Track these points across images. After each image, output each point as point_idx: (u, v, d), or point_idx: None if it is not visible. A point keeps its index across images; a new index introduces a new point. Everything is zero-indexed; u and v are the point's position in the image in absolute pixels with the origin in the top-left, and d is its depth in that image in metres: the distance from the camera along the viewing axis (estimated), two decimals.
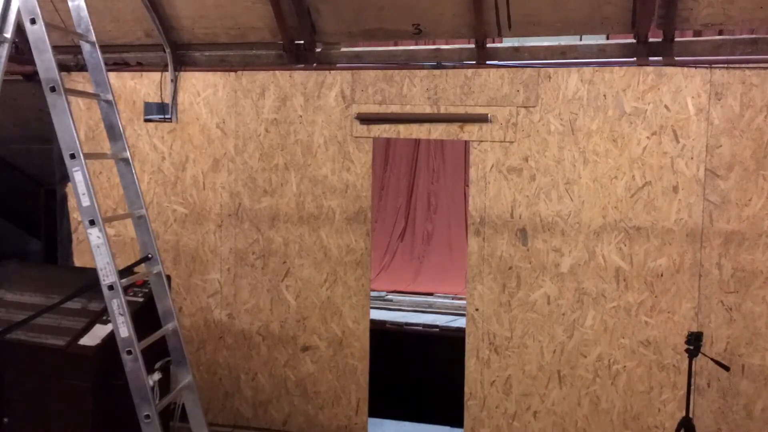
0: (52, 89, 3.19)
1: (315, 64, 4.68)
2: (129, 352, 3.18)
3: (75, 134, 3.14)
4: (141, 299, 3.91)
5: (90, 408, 3.57)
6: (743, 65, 3.99)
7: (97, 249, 3.14)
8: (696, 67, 4.05)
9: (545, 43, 4.38)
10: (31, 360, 3.68)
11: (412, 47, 4.74)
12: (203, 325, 4.95)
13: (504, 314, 4.42)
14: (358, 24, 4.50)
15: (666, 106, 4.10)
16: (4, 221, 7.04)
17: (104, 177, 5.07)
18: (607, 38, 4.77)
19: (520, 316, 4.39)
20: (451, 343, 5.41)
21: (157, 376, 3.92)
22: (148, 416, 3.49)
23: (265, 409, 4.89)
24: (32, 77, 5.20)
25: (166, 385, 4.07)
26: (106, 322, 3.75)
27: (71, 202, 5.15)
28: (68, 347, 3.63)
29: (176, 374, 3.96)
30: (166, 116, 4.90)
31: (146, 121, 4.96)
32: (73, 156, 3.15)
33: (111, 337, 3.66)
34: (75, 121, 5.19)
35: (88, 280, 4.29)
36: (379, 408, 4.99)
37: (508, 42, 4.64)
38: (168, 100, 4.88)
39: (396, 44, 5.37)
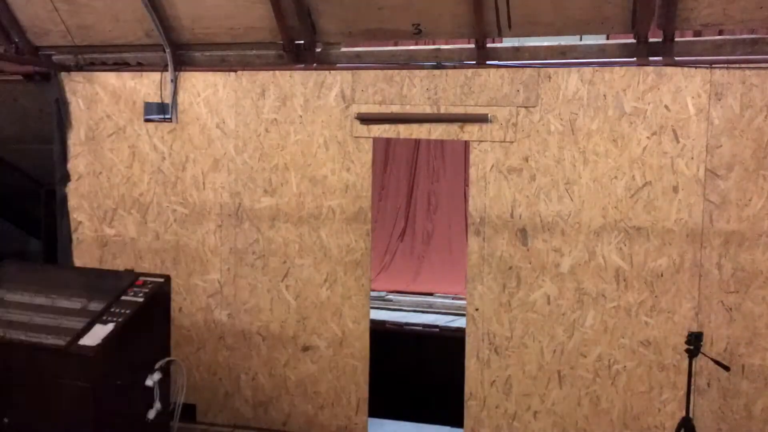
0: None
1: (315, 64, 4.68)
2: None
3: None
4: (141, 299, 3.91)
5: (90, 407, 3.58)
6: (743, 65, 3.99)
7: None
8: (696, 67, 4.05)
9: (545, 43, 4.38)
10: (32, 360, 3.68)
11: (412, 47, 4.74)
12: (203, 325, 4.95)
13: (504, 314, 4.42)
14: (358, 24, 4.50)
15: (666, 106, 4.10)
16: (4, 221, 7.04)
17: (104, 177, 5.07)
18: (607, 38, 4.77)
19: (520, 316, 4.39)
20: (451, 343, 5.41)
21: (157, 376, 3.93)
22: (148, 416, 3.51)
23: (265, 409, 4.89)
24: (32, 77, 5.21)
25: (166, 385, 4.08)
26: (106, 322, 3.75)
27: (71, 202, 5.15)
28: (68, 347, 3.63)
29: (176, 374, 3.97)
30: (166, 116, 4.90)
31: (146, 121, 4.96)
32: None
33: (111, 337, 3.67)
34: (75, 121, 5.23)
35: (89, 281, 4.32)
36: (379, 408, 4.99)
37: (508, 42, 4.64)
38: (168, 100, 4.87)
39: (396, 44, 5.37)
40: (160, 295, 4.05)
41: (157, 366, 3.94)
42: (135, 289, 3.99)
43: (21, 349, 3.70)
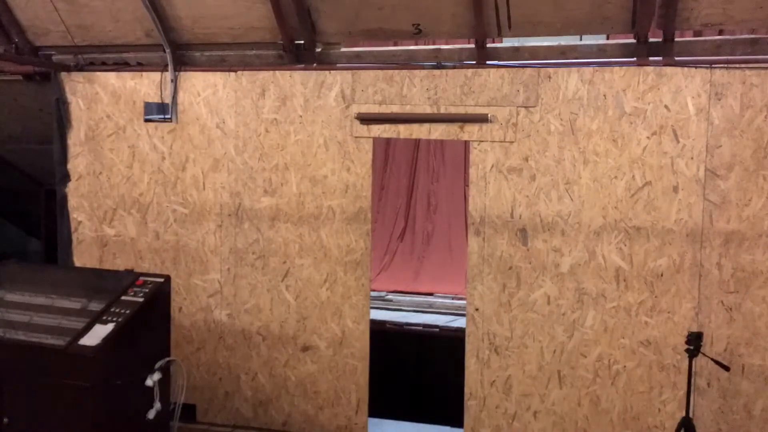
0: None
1: (315, 64, 4.68)
2: None
3: None
4: (141, 299, 3.91)
5: (90, 408, 3.58)
6: (743, 65, 3.99)
7: None
8: (696, 67, 4.05)
9: (545, 43, 4.38)
10: (32, 360, 3.68)
11: (412, 47, 4.74)
12: (203, 325, 4.95)
13: (504, 314, 4.42)
14: (358, 24, 4.50)
15: (666, 106, 4.10)
16: (4, 221, 7.04)
17: (104, 177, 5.07)
18: (607, 38, 4.77)
19: (520, 316, 4.39)
20: (451, 343, 5.41)
21: (157, 376, 3.93)
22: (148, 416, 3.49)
23: (265, 409, 4.89)
24: (32, 77, 5.21)
25: (166, 385, 4.08)
26: (106, 322, 3.75)
27: (71, 202, 5.15)
28: (68, 347, 3.63)
29: (176, 374, 3.96)
30: (166, 116, 4.90)
31: (146, 121, 4.96)
32: None
33: (111, 337, 3.67)
34: (75, 121, 5.23)
35: (89, 281, 4.32)
36: (379, 408, 4.99)
37: (508, 42, 4.64)
38: (168, 100, 4.87)
39: (396, 44, 5.37)
40: (160, 295, 4.05)
41: (157, 366, 3.94)
42: (135, 289, 3.98)
43: (21, 349, 3.70)
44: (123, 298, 3.92)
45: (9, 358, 3.71)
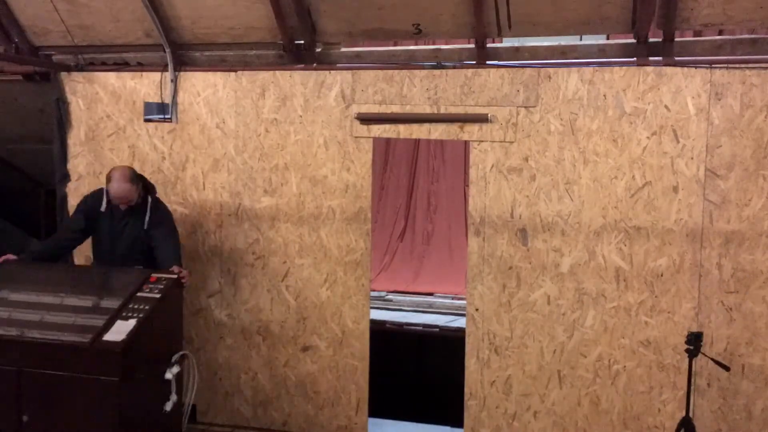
0: None
1: (315, 64, 4.68)
2: None
3: None
4: (158, 295, 3.95)
5: (117, 402, 3.62)
6: (743, 65, 3.99)
7: None
8: (696, 67, 4.05)
9: (545, 43, 4.39)
10: (50, 358, 3.68)
11: (412, 47, 4.74)
12: (203, 325, 4.95)
13: (504, 314, 4.42)
14: (358, 24, 4.50)
15: (666, 106, 4.10)
16: (4, 221, 7.04)
17: (104, 177, 5.05)
18: (607, 38, 4.77)
19: (520, 316, 4.39)
20: (451, 343, 5.41)
21: (176, 369, 4.01)
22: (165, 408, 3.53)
23: (265, 409, 4.89)
24: (32, 77, 5.21)
25: (182, 378, 4.16)
26: (127, 318, 3.79)
27: (71, 202, 5.15)
28: (93, 344, 3.65)
29: (189, 367, 4.03)
30: (166, 116, 4.90)
31: (146, 121, 4.96)
32: None
33: (135, 332, 3.71)
34: (75, 121, 5.23)
35: (95, 278, 4.34)
36: (379, 408, 4.99)
37: (508, 42, 4.64)
38: (168, 100, 4.87)
39: (396, 44, 5.37)
40: (174, 290, 4.09)
41: (174, 359, 4.01)
42: (150, 285, 4.03)
43: (39, 348, 3.70)
44: (139, 294, 3.96)
45: (26, 356, 3.72)
